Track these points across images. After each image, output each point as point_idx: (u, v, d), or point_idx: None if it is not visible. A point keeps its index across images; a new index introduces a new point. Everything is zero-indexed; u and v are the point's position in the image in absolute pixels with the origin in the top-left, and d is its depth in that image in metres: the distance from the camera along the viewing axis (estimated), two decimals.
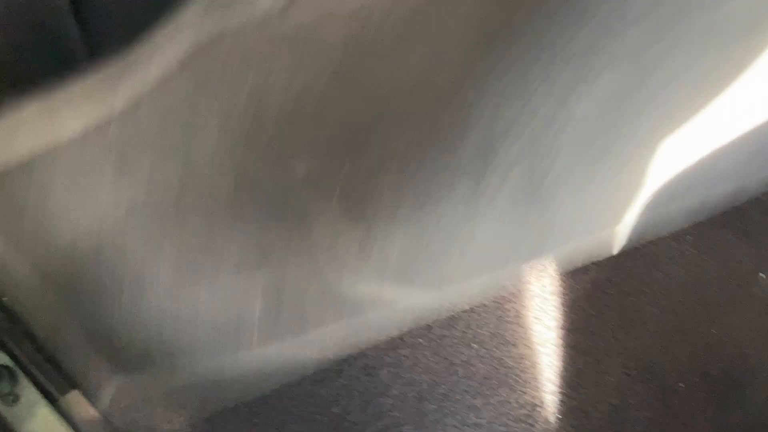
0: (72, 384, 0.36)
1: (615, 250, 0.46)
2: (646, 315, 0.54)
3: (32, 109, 0.26)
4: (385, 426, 0.51)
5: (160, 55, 0.26)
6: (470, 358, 0.53)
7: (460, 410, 0.52)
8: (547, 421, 0.52)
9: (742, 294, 0.54)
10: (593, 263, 0.54)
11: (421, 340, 0.53)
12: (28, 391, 0.35)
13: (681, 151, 0.39)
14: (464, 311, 0.54)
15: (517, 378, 0.52)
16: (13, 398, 0.34)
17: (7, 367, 0.34)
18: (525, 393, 0.52)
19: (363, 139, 0.33)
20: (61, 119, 0.27)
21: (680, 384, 0.53)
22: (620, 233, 0.44)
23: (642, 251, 0.54)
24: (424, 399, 0.52)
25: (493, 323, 0.54)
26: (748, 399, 0.52)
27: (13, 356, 0.35)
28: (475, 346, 0.53)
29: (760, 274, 0.54)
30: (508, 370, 0.53)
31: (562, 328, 0.54)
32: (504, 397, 0.52)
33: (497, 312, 0.54)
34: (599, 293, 0.54)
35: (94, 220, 0.31)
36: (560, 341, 0.53)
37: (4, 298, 0.33)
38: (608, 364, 0.53)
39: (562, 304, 0.54)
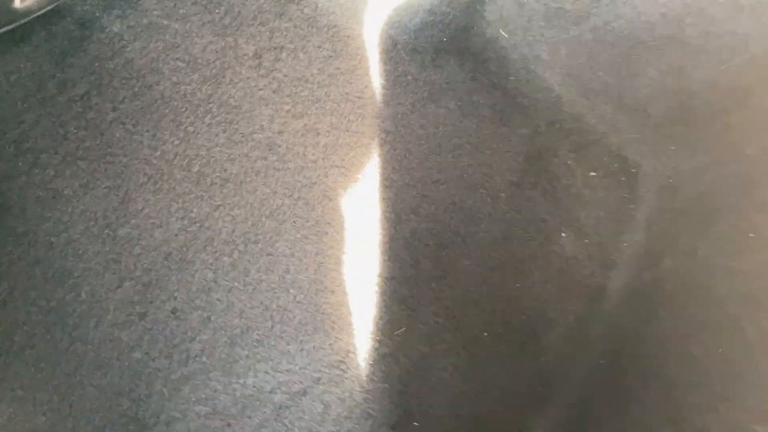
0: None
1: None
2: (460, 268, 0.56)
3: None
4: (191, 372, 0.48)
5: None
6: (287, 304, 0.51)
7: (274, 356, 0.50)
8: (358, 367, 0.52)
9: (545, 251, 0.58)
10: (414, 214, 0.55)
11: (236, 284, 0.51)
12: None
13: None
14: (284, 255, 0.52)
15: (333, 325, 0.52)
16: None
17: None
18: (340, 339, 0.52)
19: None
20: None
21: (485, 333, 0.55)
22: None
23: (461, 206, 0.56)
24: (236, 345, 0.49)
25: (313, 269, 0.53)
26: (545, 348, 0.56)
27: None
28: (292, 291, 0.52)
29: (562, 234, 0.59)
30: (324, 316, 0.52)
31: (380, 276, 0.54)
32: (318, 344, 0.51)
33: (318, 258, 0.53)
34: (418, 244, 0.55)
35: None
36: (378, 289, 0.53)
37: None
38: (421, 313, 0.54)
39: (382, 253, 0.54)
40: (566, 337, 0.57)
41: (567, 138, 0.62)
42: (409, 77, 0.60)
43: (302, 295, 0.52)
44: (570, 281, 0.57)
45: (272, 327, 0.50)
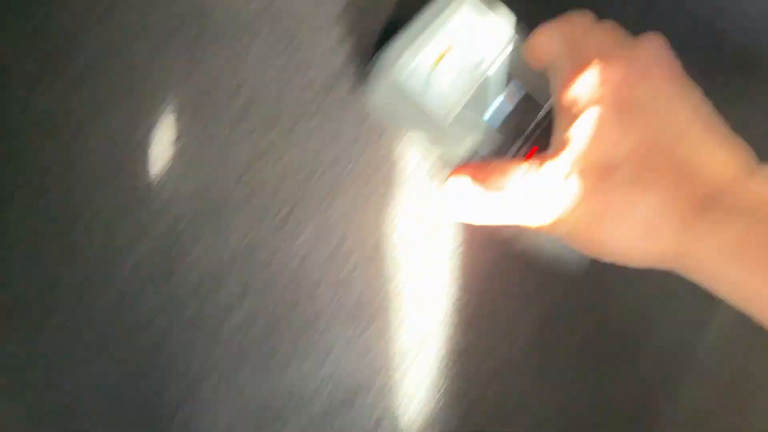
0: None
1: None
2: None
3: None
4: (217, 361, 0.39)
5: None
6: (337, 287, 0.41)
7: (318, 353, 0.40)
8: (419, 374, 0.42)
9: None
10: None
11: (281, 253, 0.41)
12: None
13: None
14: (341, 217, 0.42)
15: (392, 318, 0.42)
16: None
17: None
18: (398, 339, 0.42)
19: None
20: None
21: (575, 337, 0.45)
22: None
23: None
24: (274, 332, 0.40)
25: (372, 243, 0.42)
26: (646, 357, 0.46)
27: None
28: (346, 270, 0.42)
29: None
30: (382, 306, 0.42)
31: (457, 257, 0.43)
32: (372, 342, 0.41)
33: (380, 229, 0.42)
34: None
35: None
36: (451, 277, 0.43)
37: None
38: (503, 310, 0.44)
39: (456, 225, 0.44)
40: (671, 345, 0.46)
41: None
42: None
43: (357, 275, 0.42)
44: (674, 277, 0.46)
45: (318, 315, 0.41)
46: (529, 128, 0.39)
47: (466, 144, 0.38)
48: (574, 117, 0.33)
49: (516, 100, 0.39)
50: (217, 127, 0.41)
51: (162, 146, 0.40)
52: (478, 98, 0.39)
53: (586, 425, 0.44)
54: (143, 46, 0.41)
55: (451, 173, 0.37)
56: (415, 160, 0.43)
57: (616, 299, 0.46)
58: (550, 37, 0.38)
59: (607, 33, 0.36)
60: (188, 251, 0.39)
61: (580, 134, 0.32)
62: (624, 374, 0.45)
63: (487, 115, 0.39)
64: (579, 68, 0.34)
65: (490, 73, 0.39)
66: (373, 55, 0.40)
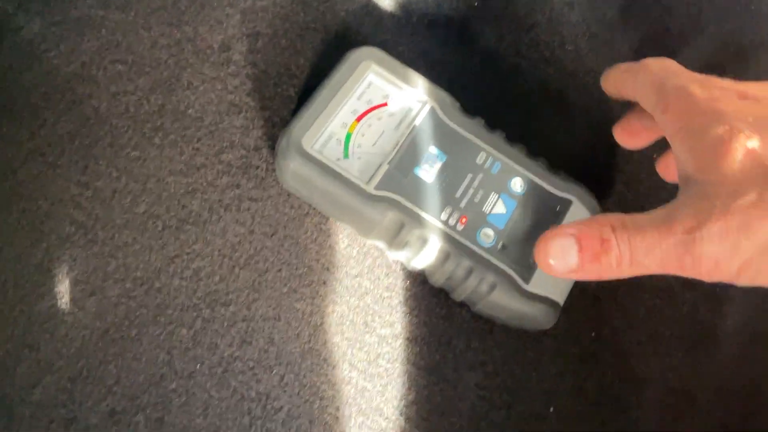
0: None
1: None
2: None
3: None
4: None
5: None
6: (270, 390, 0.37)
7: None
8: None
9: (624, 281, 0.43)
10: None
11: (199, 367, 0.37)
12: None
13: None
14: (266, 318, 0.38)
15: (338, 414, 0.38)
16: None
17: None
18: None
19: None
20: None
21: (550, 408, 0.40)
22: None
23: None
24: None
25: (306, 336, 0.39)
26: (637, 419, 0.41)
27: None
28: (278, 370, 0.38)
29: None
30: (324, 403, 0.38)
31: (402, 338, 0.39)
32: None
33: (314, 319, 0.39)
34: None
35: None
36: (400, 357, 0.39)
37: None
38: (461, 386, 0.39)
39: (402, 304, 0.40)
40: (664, 403, 0.41)
41: None
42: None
43: (292, 375, 0.38)
44: (665, 321, 0.42)
45: (250, 425, 0.36)
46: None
47: (391, 218, 0.35)
48: (696, 146, 0.28)
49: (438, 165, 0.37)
50: (122, 236, 0.38)
51: (62, 267, 0.37)
52: (405, 157, 0.37)
53: None
54: (34, 164, 0.38)
55: (551, 234, 0.29)
56: (345, 241, 0.40)
57: (595, 357, 0.41)
58: (629, 85, 0.34)
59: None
60: (95, 383, 0.35)
61: (708, 160, 0.27)
62: None
63: (418, 171, 0.37)
64: (677, 99, 0.29)
65: (414, 129, 0.37)
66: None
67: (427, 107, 0.38)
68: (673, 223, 0.26)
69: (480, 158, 0.37)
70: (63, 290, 0.36)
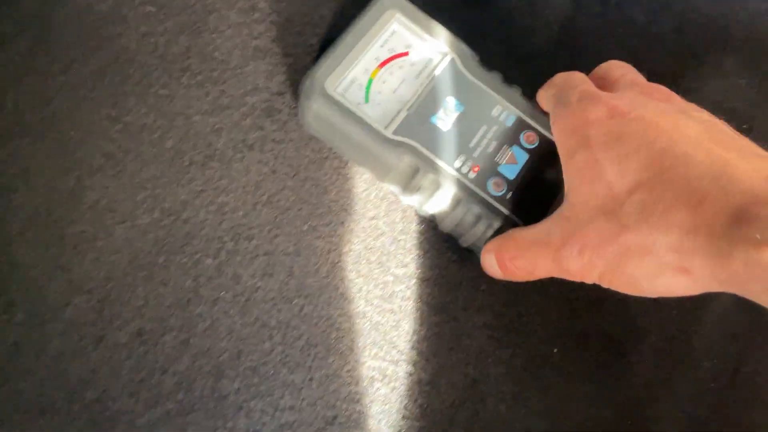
0: None
1: None
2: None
3: None
4: (164, 415, 0.36)
5: None
6: (290, 319, 0.39)
7: (274, 389, 0.38)
8: (387, 400, 0.39)
9: None
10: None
11: (224, 294, 0.38)
12: None
13: None
14: (287, 253, 0.40)
15: (352, 344, 0.39)
16: None
17: None
18: (361, 364, 0.39)
19: None
20: None
21: (554, 349, 0.42)
22: None
23: None
24: (224, 375, 0.37)
25: (324, 271, 0.40)
26: (635, 367, 0.43)
27: None
28: (298, 301, 0.39)
29: None
30: (340, 333, 0.39)
31: (414, 278, 0.41)
32: (333, 371, 0.39)
33: (331, 256, 0.40)
34: None
35: None
36: (412, 295, 0.41)
37: None
38: (468, 324, 0.41)
39: (416, 247, 0.42)
40: (662, 353, 0.43)
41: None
42: None
43: (311, 306, 0.39)
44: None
45: (271, 350, 0.38)
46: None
47: (407, 163, 0.37)
48: (567, 167, 0.32)
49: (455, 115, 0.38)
50: (151, 169, 0.40)
51: (93, 195, 0.38)
52: (423, 105, 0.38)
53: None
54: (67, 96, 0.40)
55: (482, 252, 0.37)
56: (363, 185, 0.41)
57: (599, 305, 0.43)
58: (543, 99, 0.38)
59: (589, 78, 0.36)
60: (124, 305, 0.37)
61: (575, 184, 0.31)
62: (611, 387, 0.42)
63: (435, 119, 0.38)
64: (560, 117, 0.34)
65: (434, 78, 0.38)
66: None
67: (448, 58, 0.39)
68: (548, 243, 0.32)
69: (496, 111, 0.38)
70: (94, 217, 0.38)
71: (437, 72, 0.38)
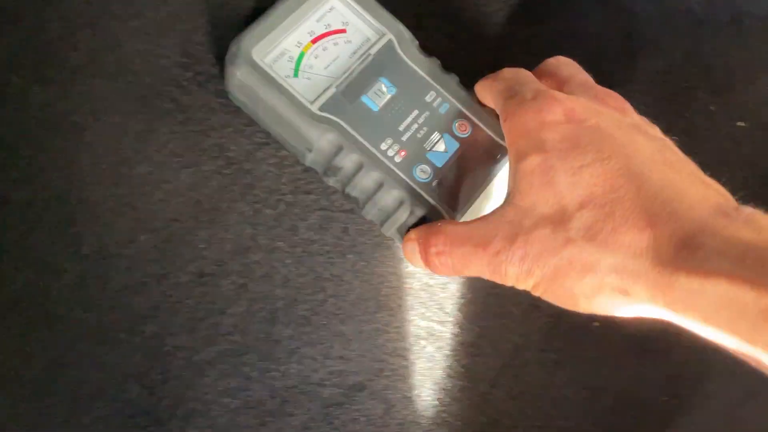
0: None
1: None
2: None
3: None
4: (219, 354, 0.37)
5: None
6: (344, 272, 0.40)
7: (325, 339, 0.39)
8: (432, 358, 0.40)
9: None
10: None
11: (281, 244, 0.40)
12: None
13: None
14: (343, 210, 0.41)
15: (401, 302, 0.40)
16: None
17: None
18: (409, 322, 0.40)
19: None
20: None
21: (595, 323, 0.43)
22: None
23: None
24: (278, 321, 0.38)
25: (378, 230, 0.41)
26: (677, 343, 0.44)
27: None
28: (351, 257, 0.40)
29: None
30: (390, 290, 0.40)
31: None
32: (382, 325, 0.40)
33: None
34: None
35: None
36: None
37: None
38: (515, 291, 0.42)
39: None
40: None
41: (708, 75, 0.48)
42: None
43: (363, 263, 0.40)
44: None
45: (324, 301, 0.39)
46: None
47: (330, 140, 0.35)
48: (517, 168, 0.30)
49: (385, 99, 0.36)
50: (217, 118, 0.40)
51: (161, 138, 0.39)
52: (354, 84, 0.36)
53: (607, 416, 0.42)
54: (139, 38, 0.41)
55: (405, 238, 0.35)
56: None
57: None
58: (487, 92, 0.36)
59: (540, 79, 0.34)
60: (186, 246, 0.38)
61: (524, 187, 0.30)
62: (649, 364, 0.43)
63: (365, 99, 0.36)
64: (513, 114, 0.32)
65: (369, 57, 0.37)
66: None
67: (385, 39, 0.37)
68: (486, 245, 0.30)
69: (429, 97, 0.37)
70: (161, 159, 0.39)
71: (372, 51, 0.37)
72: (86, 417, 0.35)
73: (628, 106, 0.33)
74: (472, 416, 0.40)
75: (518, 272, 0.29)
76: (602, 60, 0.46)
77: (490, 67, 0.38)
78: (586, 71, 0.42)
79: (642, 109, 0.44)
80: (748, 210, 0.27)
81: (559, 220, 0.28)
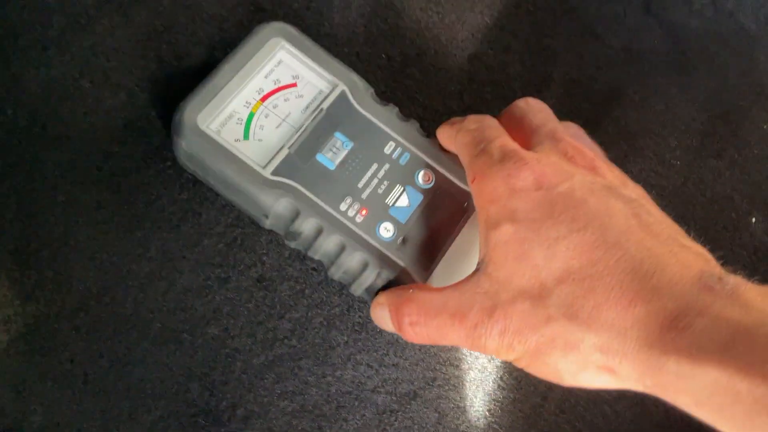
0: None
1: None
2: None
3: None
4: (277, 357, 0.38)
5: None
6: None
7: (379, 346, 0.40)
8: (484, 368, 0.41)
9: (730, 237, 0.45)
10: None
11: None
12: None
13: None
14: None
15: None
16: None
17: None
18: None
19: None
20: None
21: None
22: None
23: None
24: (334, 327, 0.39)
25: None
26: None
27: None
28: None
29: (752, 218, 0.45)
30: None
31: None
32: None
33: None
34: None
35: None
36: None
37: None
38: None
39: None
40: None
41: (762, 94, 0.48)
42: None
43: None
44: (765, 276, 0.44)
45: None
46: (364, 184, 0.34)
47: (285, 206, 0.33)
48: (489, 237, 0.29)
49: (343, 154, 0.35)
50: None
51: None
52: (308, 142, 0.34)
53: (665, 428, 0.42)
54: None
55: (374, 302, 0.33)
56: None
57: None
58: (451, 143, 0.34)
59: (507, 130, 0.32)
60: (248, 251, 0.39)
61: (497, 257, 0.28)
62: None
63: (320, 157, 0.34)
64: (482, 176, 0.30)
65: (322, 112, 0.35)
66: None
67: (338, 90, 0.35)
68: (463, 317, 0.28)
69: (389, 148, 0.35)
70: None
71: (325, 105, 0.35)
72: (149, 415, 0.36)
73: (597, 159, 0.30)
74: (523, 428, 0.40)
75: (498, 346, 0.28)
76: (657, 76, 0.46)
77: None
78: (640, 88, 0.42)
79: (697, 127, 0.44)
80: (732, 280, 0.25)
81: (538, 295, 0.27)
